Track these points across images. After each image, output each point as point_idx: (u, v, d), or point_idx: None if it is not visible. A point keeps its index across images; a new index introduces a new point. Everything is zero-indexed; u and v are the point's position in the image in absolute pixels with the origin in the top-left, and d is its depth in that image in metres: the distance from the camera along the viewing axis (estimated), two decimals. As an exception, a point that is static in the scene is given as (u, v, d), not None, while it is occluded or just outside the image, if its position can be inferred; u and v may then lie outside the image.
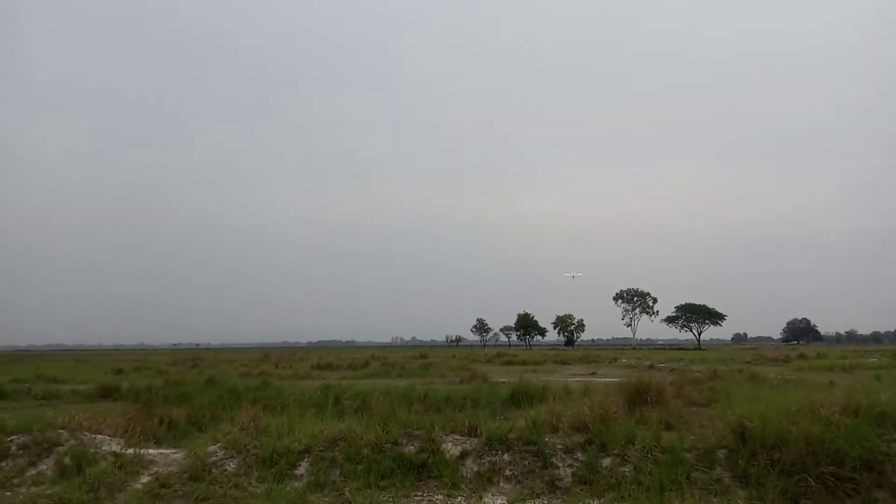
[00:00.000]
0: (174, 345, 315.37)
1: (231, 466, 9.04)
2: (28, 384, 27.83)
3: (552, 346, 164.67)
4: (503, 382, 23.61)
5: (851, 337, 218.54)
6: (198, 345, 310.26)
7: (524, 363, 50.99)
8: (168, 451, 10.08)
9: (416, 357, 60.96)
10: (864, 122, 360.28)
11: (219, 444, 9.62)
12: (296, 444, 9.31)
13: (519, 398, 16.73)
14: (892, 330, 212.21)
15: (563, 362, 52.78)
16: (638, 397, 13.52)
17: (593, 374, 36.05)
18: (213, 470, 8.92)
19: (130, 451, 9.52)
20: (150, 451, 9.85)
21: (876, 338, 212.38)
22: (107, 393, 23.64)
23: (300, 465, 9.06)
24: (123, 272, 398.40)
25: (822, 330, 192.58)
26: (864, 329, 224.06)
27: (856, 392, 9.26)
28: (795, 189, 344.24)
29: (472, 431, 9.69)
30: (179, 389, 19.71)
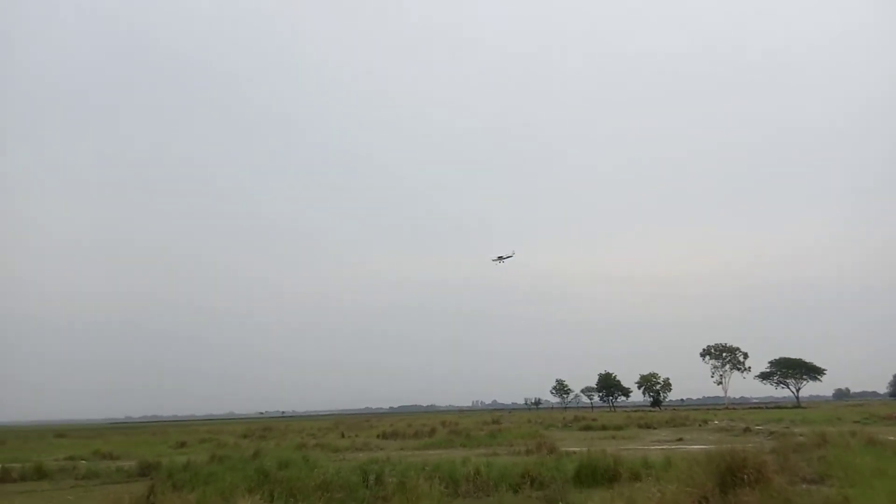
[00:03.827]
0: (261, 413, 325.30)
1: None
2: (84, 461, 27.76)
3: (637, 407, 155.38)
4: (574, 452, 21.03)
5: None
6: (283, 412, 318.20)
7: (603, 428, 47.23)
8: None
9: (488, 423, 58.10)
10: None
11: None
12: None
13: (585, 476, 14.26)
14: None
15: (647, 426, 48.60)
16: (731, 475, 10.90)
17: (680, 440, 32.40)
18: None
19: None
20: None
21: None
22: (146, 471, 22.78)
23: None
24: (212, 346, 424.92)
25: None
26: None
27: None
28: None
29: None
30: (211, 468, 18.26)
